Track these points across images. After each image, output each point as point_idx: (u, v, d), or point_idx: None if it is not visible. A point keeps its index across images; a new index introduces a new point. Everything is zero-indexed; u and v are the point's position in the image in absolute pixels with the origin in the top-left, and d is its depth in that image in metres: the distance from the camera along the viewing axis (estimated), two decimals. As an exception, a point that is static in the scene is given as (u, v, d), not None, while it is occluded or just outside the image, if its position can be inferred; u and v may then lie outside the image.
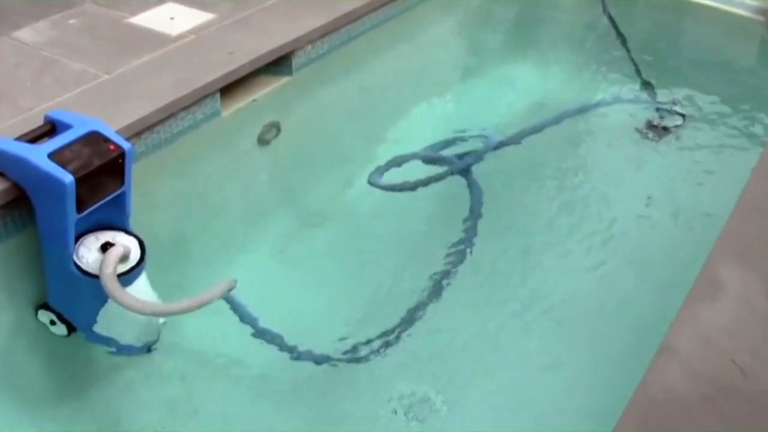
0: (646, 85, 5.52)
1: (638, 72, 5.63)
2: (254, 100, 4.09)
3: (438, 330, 3.77)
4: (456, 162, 4.75)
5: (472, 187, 4.59)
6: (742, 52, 5.83)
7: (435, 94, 5.40)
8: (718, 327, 2.81)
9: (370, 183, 4.61)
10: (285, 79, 4.27)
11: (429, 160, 4.83)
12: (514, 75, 5.78)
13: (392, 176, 4.68)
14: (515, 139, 4.96)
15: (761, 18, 5.66)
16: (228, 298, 3.45)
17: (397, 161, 4.78)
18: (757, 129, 5.00)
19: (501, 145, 4.92)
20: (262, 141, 4.25)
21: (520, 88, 5.63)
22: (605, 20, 5.90)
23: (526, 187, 4.71)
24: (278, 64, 4.20)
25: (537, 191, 4.66)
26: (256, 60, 3.99)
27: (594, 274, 4.06)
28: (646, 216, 4.42)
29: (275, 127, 4.29)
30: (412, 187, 4.57)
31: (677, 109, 5.25)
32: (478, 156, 4.82)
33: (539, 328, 3.76)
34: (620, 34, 5.83)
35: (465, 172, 4.69)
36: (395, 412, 3.40)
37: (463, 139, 5.02)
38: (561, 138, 5.07)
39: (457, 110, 5.33)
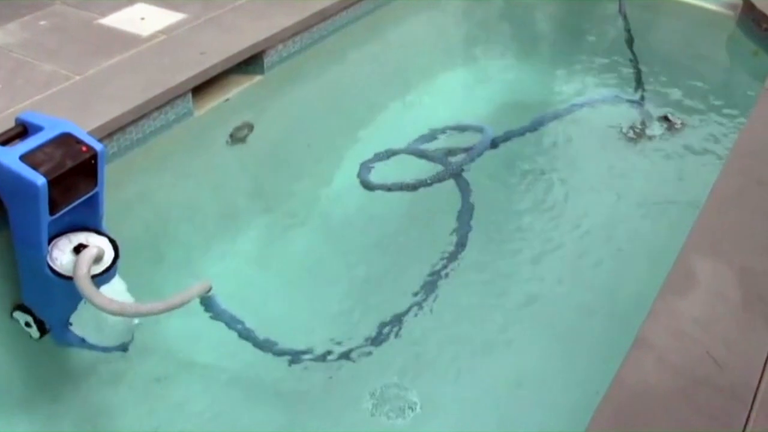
0: (639, 87, 5.54)
1: (638, 76, 5.64)
2: (227, 100, 4.09)
3: (415, 325, 3.77)
4: (448, 162, 4.75)
5: (462, 188, 4.58)
6: (712, 47, 5.85)
7: (408, 91, 5.40)
8: (692, 319, 2.83)
9: (361, 180, 4.60)
10: (257, 78, 4.27)
11: (420, 157, 4.86)
12: (489, 71, 5.79)
13: (381, 172, 4.70)
14: (506, 138, 4.98)
15: (731, 12, 5.69)
16: (205, 300, 3.46)
17: (387, 155, 4.80)
18: (728, 123, 5.03)
19: (493, 144, 4.93)
20: (235, 140, 4.25)
21: (495, 84, 5.63)
22: (620, 21, 5.91)
23: (506, 184, 4.72)
24: (250, 63, 4.20)
25: (517, 188, 4.66)
26: (227, 59, 3.99)
27: (571, 271, 4.07)
28: (624, 212, 4.44)
29: (248, 127, 4.28)
30: (405, 188, 4.59)
31: (670, 117, 5.23)
32: (470, 157, 4.81)
33: (515, 324, 3.76)
34: (630, 37, 5.84)
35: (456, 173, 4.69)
36: (371, 411, 3.40)
37: (461, 131, 5.09)
38: (545, 136, 5.09)
39: (432, 107, 5.31)
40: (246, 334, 3.66)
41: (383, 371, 3.56)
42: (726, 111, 5.15)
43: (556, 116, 5.27)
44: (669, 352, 2.70)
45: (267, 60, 4.27)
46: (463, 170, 4.72)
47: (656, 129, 5.15)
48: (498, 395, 3.46)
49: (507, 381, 3.52)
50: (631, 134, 5.10)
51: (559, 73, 5.86)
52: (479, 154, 4.83)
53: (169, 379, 3.52)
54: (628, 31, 5.88)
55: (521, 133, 5.05)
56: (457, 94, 5.53)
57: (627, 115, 5.30)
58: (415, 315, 3.82)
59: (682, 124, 5.15)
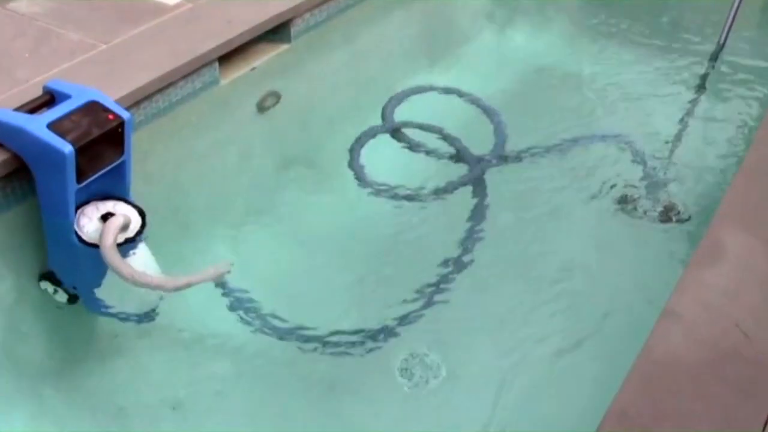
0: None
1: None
2: (253, 69, 4.08)
3: (446, 303, 3.75)
4: (476, 161, 4.59)
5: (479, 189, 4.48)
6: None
7: (435, 61, 5.37)
8: (720, 291, 2.81)
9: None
10: (284, 47, 4.26)
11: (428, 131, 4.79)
12: (519, 42, 5.74)
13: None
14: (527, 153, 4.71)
15: None
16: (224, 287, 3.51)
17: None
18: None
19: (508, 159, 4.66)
20: (262, 109, 4.24)
21: (522, 57, 5.56)
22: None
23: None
24: (277, 32, 4.19)
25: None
26: (254, 28, 3.97)
27: (596, 246, 4.04)
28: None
29: (274, 95, 4.28)
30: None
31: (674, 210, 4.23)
32: (490, 161, 4.62)
33: (543, 299, 3.74)
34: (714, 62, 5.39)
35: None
36: (398, 383, 3.40)
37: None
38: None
39: (458, 77, 5.28)
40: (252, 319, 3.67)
41: (412, 341, 3.56)
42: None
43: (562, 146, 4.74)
44: (697, 324, 2.69)
45: (294, 29, 4.26)
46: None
47: (650, 207, 4.25)
48: (528, 367, 3.45)
49: (537, 353, 3.51)
50: (625, 204, 4.30)
51: (594, 47, 5.71)
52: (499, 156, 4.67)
53: (196, 347, 3.53)
54: (716, 56, 5.40)
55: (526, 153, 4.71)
56: (484, 64, 5.49)
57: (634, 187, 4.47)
58: (445, 286, 3.81)
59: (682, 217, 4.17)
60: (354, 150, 4.62)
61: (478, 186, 4.44)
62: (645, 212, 4.23)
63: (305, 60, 4.40)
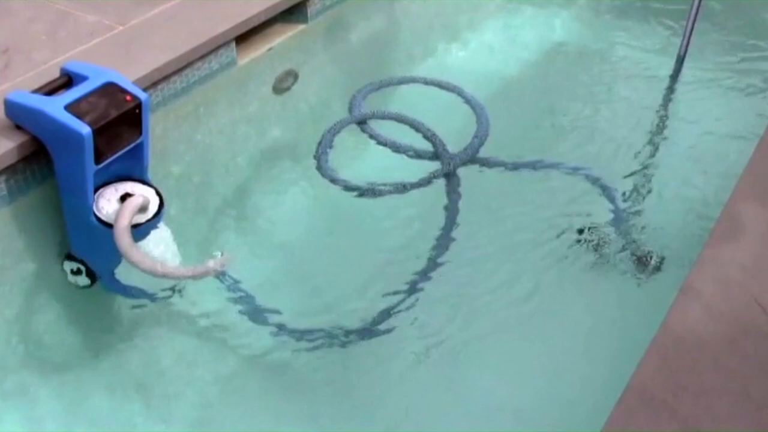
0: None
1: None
2: (270, 49, 4.08)
3: (447, 286, 3.73)
4: (449, 155, 4.38)
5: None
6: None
7: (453, 39, 5.35)
8: (739, 267, 2.81)
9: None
10: (301, 27, 4.26)
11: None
12: (538, 19, 5.69)
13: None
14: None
15: None
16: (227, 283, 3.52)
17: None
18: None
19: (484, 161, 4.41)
20: (279, 89, 4.24)
21: (538, 35, 5.52)
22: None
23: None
24: (294, 12, 4.19)
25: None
26: (271, 8, 3.98)
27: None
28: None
29: (292, 76, 4.28)
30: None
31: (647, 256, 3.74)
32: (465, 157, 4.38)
33: (556, 276, 3.73)
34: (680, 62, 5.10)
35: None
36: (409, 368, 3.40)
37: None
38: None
39: (473, 59, 5.24)
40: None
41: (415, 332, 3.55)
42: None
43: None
44: (716, 300, 2.69)
45: (311, 9, 4.26)
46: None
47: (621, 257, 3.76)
48: (543, 348, 3.44)
49: (551, 334, 3.50)
50: (585, 244, 3.87)
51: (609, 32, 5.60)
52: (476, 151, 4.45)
53: (214, 331, 3.54)
54: (681, 60, 5.09)
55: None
56: (503, 42, 5.45)
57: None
58: (456, 265, 3.81)
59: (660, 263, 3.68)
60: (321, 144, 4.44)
61: (451, 182, 4.28)
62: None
63: (322, 40, 4.41)
